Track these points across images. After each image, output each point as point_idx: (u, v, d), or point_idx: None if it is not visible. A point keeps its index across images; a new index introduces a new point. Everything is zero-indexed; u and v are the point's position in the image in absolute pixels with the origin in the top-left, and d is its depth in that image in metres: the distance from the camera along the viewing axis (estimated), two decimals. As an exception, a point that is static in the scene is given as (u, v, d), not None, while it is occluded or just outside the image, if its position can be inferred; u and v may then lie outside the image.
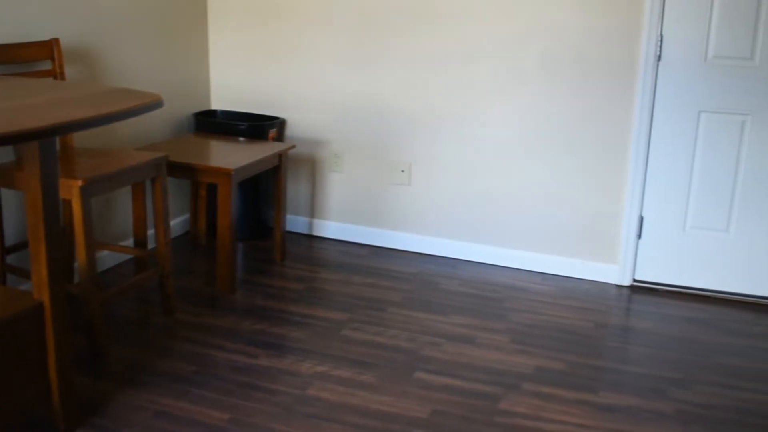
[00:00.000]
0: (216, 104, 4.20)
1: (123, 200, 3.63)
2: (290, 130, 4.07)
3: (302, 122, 4.04)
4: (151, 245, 3.74)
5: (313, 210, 4.15)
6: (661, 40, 3.35)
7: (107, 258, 3.57)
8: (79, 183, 2.57)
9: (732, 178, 3.40)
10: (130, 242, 3.67)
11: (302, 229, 4.19)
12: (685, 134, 3.42)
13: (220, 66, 4.14)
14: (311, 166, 4.09)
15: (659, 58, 3.37)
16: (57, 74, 3.05)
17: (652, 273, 3.61)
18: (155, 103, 2.14)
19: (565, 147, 3.60)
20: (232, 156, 3.41)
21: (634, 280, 3.65)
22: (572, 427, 2.46)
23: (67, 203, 3.05)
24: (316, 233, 4.17)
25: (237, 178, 3.27)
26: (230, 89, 4.15)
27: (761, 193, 3.38)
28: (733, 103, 3.33)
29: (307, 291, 3.45)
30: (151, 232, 3.72)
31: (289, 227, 4.22)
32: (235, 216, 3.32)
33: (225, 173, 3.22)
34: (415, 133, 3.83)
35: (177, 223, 4.05)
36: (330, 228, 4.13)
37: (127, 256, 3.69)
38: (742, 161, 3.38)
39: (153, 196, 3.04)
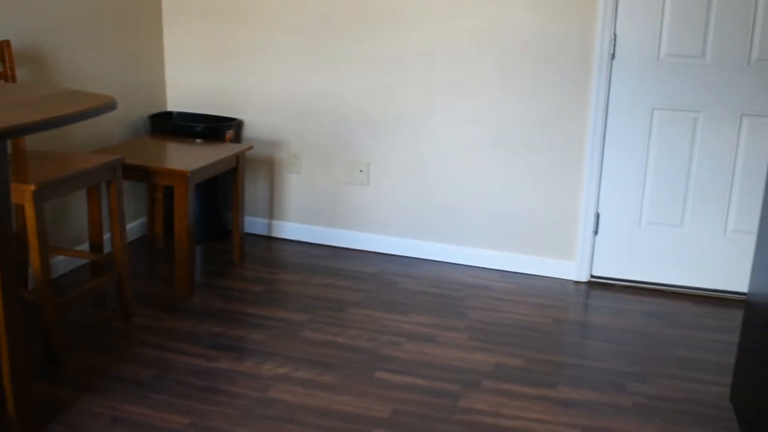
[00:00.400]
0: (172, 106, 4.16)
1: (78, 204, 3.58)
2: (248, 131, 4.05)
3: (260, 123, 4.02)
4: (107, 249, 3.69)
5: (271, 211, 4.13)
6: (615, 39, 3.39)
7: (63, 263, 3.52)
8: (32, 187, 2.52)
9: (685, 174, 3.46)
10: (85, 247, 3.62)
11: (261, 231, 4.17)
12: (639, 131, 3.47)
13: (176, 67, 4.10)
14: (269, 167, 4.07)
15: (613, 56, 3.41)
16: (8, 76, 2.99)
17: (609, 269, 3.66)
18: (108, 105, 2.11)
19: (522, 145, 3.63)
20: (188, 158, 3.39)
21: (592, 276, 3.69)
22: (532, 422, 2.48)
23: (20, 208, 2.99)
24: (275, 235, 4.16)
25: (194, 180, 3.25)
26: (186, 90, 4.11)
27: (714, 189, 3.44)
28: (685, 101, 3.39)
29: (267, 293, 3.44)
30: (107, 236, 3.67)
31: (248, 229, 4.20)
32: (193, 218, 3.30)
33: (181, 175, 3.19)
34: (373, 132, 3.84)
35: (134, 226, 4.01)
36: (289, 229, 4.11)
37: (83, 261, 3.64)
38: (695, 157, 3.44)
39: (108, 199, 3.00)
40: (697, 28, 3.30)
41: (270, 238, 4.14)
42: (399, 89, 3.74)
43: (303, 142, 3.97)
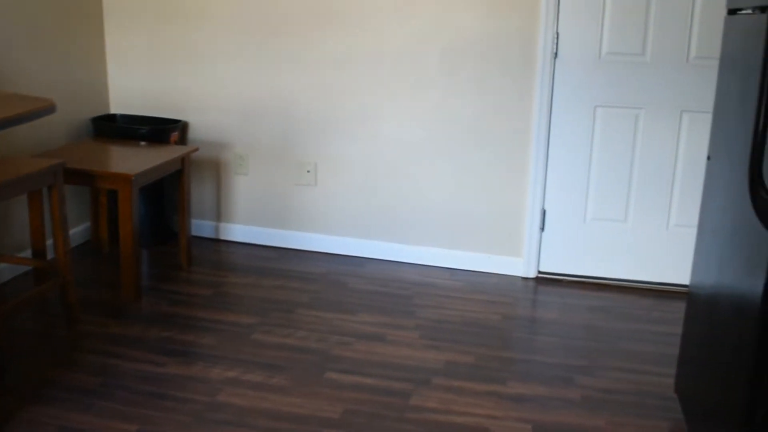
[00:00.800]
0: (115, 108, 4.10)
1: (19, 210, 3.50)
2: (193, 133, 4.01)
3: (205, 125, 3.98)
4: (51, 255, 3.62)
5: (218, 213, 4.10)
6: (557, 38, 3.44)
7: (5, 270, 3.43)
8: (-30, 193, 2.46)
9: (628, 170, 3.53)
10: (28, 253, 3.55)
11: (208, 233, 4.13)
12: (583, 128, 3.52)
13: (119, 68, 4.04)
14: (216, 168, 4.03)
15: (556, 55, 3.46)
16: (-58, 80, 2.92)
17: (556, 264, 3.71)
18: (48, 109, 2.08)
19: (468, 143, 3.65)
20: (132, 161, 3.34)
21: (539, 272, 3.74)
22: (482, 418, 2.50)
23: (-42, 214, 2.92)
24: (222, 237, 4.12)
25: (138, 184, 3.20)
26: (130, 92, 4.05)
27: (656, 184, 3.51)
28: (626, 98, 3.46)
29: (216, 296, 3.41)
30: (50, 242, 3.60)
31: (195, 232, 4.15)
32: (138, 222, 3.25)
33: (125, 179, 3.14)
34: (320, 133, 3.83)
35: (78, 231, 3.93)
36: (236, 231, 4.08)
37: (26, 268, 3.56)
38: (637, 153, 3.51)
39: (50, 204, 2.94)
40: (637, 27, 3.37)
41: (218, 241, 4.10)
42: (345, 89, 3.74)
43: (250, 144, 3.94)
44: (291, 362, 2.84)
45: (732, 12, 2.40)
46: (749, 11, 2.16)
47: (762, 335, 1.69)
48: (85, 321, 3.11)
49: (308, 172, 3.88)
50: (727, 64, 2.39)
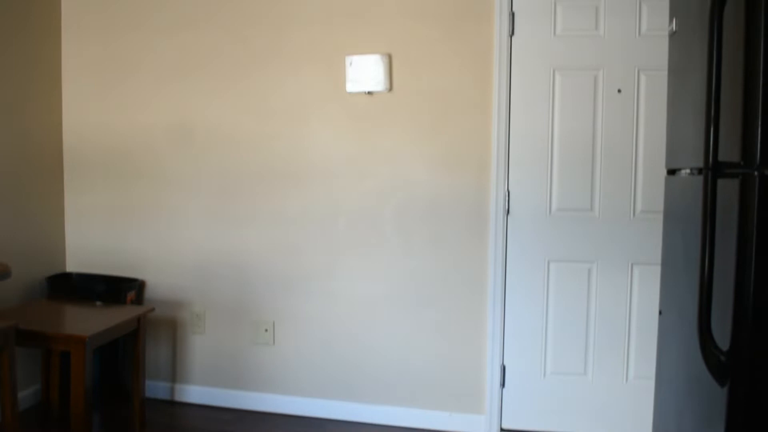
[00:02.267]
0: (72, 266, 4.07)
1: (-34, 374, 3.39)
2: (150, 292, 3.98)
3: (162, 283, 3.96)
4: (-4, 421, 3.48)
5: (174, 374, 4.01)
6: (509, 196, 3.55)
7: (-54, 438, 3.29)
8: None
9: (584, 323, 3.56)
10: (-28, 419, 3.41)
11: (163, 395, 4.02)
12: (537, 283, 3.58)
13: (77, 226, 4.05)
14: (172, 328, 3.98)
15: (508, 212, 3.56)
16: None
17: (519, 420, 3.66)
18: (2, 274, 2.06)
19: (424, 300, 3.68)
20: (86, 322, 3.29)
21: (502, 429, 3.67)
22: None
23: None
24: (178, 399, 4.01)
25: (92, 346, 3.14)
26: (87, 251, 4.05)
27: (612, 336, 3.54)
28: (578, 252, 3.54)
29: (169, 461, 3.28)
30: (-4, 406, 3.47)
31: (150, 393, 4.04)
32: (91, 384, 3.16)
33: (78, 341, 3.08)
34: (277, 291, 3.83)
35: (28, 394, 3.80)
36: (193, 393, 3.98)
37: (-31, 435, 3.41)
38: (592, 306, 3.55)
39: (-1, 368, 2.86)
40: (585, 184, 3.50)
41: (173, 403, 3.99)
42: (301, 248, 3.78)
43: (206, 302, 3.92)
44: None
45: (671, 172, 2.52)
46: (687, 171, 2.27)
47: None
48: (29, 492, 2.96)
49: (266, 331, 3.85)
50: (670, 220, 2.49)
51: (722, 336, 1.83)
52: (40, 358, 3.86)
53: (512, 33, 3.52)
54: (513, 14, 3.52)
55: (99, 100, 3.99)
